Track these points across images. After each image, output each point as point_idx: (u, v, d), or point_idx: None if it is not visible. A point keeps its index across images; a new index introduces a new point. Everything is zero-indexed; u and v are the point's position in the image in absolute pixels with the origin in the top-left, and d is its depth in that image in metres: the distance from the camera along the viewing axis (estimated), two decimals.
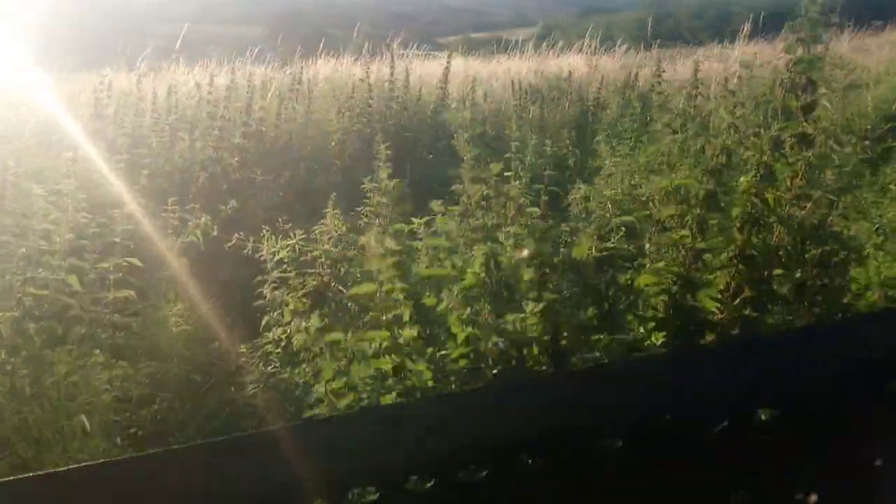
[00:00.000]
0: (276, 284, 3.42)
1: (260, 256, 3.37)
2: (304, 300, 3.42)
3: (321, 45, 14.45)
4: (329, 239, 3.55)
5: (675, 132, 7.79)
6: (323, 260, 3.50)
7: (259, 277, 3.40)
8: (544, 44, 14.66)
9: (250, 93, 6.60)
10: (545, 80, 12.93)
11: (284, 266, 3.46)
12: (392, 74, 8.59)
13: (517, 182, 4.67)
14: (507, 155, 5.03)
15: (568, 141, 7.80)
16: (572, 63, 15.01)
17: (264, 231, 3.56)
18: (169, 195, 4.95)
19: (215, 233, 3.70)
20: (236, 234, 3.63)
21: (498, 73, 14.15)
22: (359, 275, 3.55)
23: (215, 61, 13.04)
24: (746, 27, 12.72)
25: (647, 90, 9.81)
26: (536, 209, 4.61)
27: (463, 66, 14.39)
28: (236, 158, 5.82)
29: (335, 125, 7.50)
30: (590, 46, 15.60)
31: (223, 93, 6.85)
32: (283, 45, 14.35)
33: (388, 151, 4.67)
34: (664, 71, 8.57)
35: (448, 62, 8.93)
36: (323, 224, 3.64)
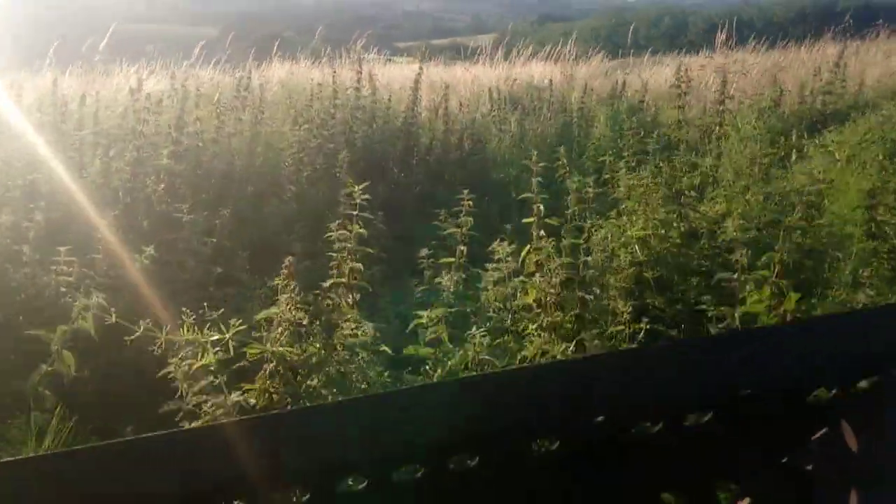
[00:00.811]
0: (194, 408, 2.15)
1: (170, 375, 2.10)
2: None
3: (276, 47, 13.13)
4: (282, 331, 2.29)
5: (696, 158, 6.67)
6: (273, 365, 2.24)
7: (169, 405, 2.13)
8: (514, 50, 13.51)
9: (182, 100, 5.24)
10: (522, 88, 11.86)
11: (211, 376, 2.18)
12: (359, 80, 7.31)
13: (541, 234, 3.46)
14: (528, 194, 3.81)
15: (564, 160, 6.65)
16: (542, 70, 13.96)
17: (184, 316, 2.28)
18: (66, 240, 3.62)
19: (113, 318, 2.40)
20: (143, 322, 2.34)
21: (465, 79, 12.99)
22: (324, 387, 2.30)
23: (159, 63, 11.63)
24: (722, 35, 11.80)
25: (636, 101, 8.75)
26: (567, 259, 3.41)
27: (427, 72, 13.20)
28: (162, 185, 4.47)
29: (290, 139, 6.20)
30: (561, 53, 14.57)
31: (153, 101, 5.50)
32: (233, 46, 12.94)
33: (363, 195, 3.45)
34: (687, 81, 7.41)
35: (420, 68, 7.69)
36: (273, 308, 2.37)
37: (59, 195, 3.96)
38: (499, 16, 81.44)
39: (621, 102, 8.71)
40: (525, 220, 3.66)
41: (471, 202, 3.76)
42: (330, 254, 3.13)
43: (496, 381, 1.13)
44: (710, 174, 5.47)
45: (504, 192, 7.00)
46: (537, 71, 14.12)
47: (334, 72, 7.16)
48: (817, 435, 1.11)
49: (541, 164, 7.52)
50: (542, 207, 3.52)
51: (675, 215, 4.47)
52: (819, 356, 1.11)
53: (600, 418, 0.98)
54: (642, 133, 7.59)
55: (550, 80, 9.39)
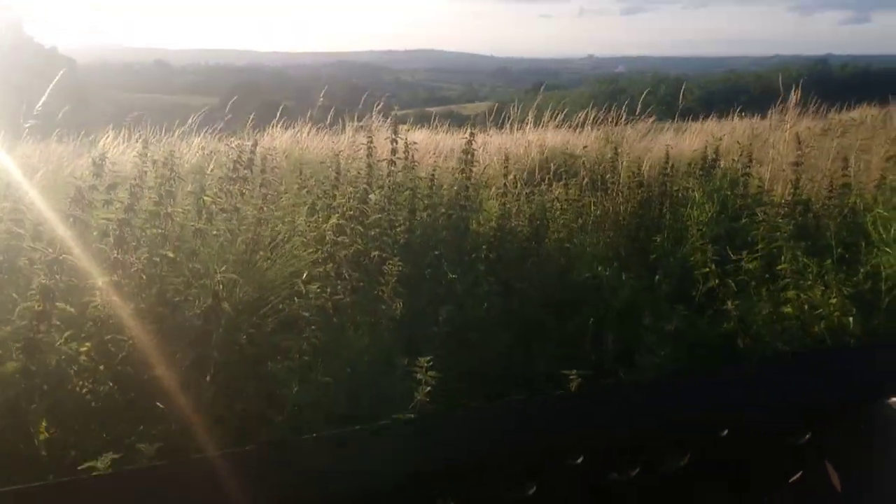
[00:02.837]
0: None
1: None
2: None
3: (279, 113, 11.27)
4: None
5: None
6: None
7: None
8: (548, 115, 11.62)
9: (155, 186, 3.12)
10: (559, 157, 9.91)
11: None
12: (394, 150, 5.24)
13: None
14: None
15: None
16: (572, 138, 12.07)
17: None
18: None
19: None
20: None
21: (490, 148, 11.00)
22: None
23: (149, 132, 9.63)
24: (796, 96, 9.95)
25: (737, 173, 6.71)
26: None
27: (431, 139, 11.33)
28: (84, 350, 2.29)
29: (307, 236, 4.08)
30: (575, 120, 12.76)
31: (105, 186, 3.41)
32: (233, 113, 11.04)
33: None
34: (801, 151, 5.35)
35: (471, 134, 5.61)
36: None
37: None
38: (490, 86, 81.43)
39: (720, 176, 6.68)
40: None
41: None
42: None
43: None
44: None
45: (598, 300, 4.86)
46: (563, 138, 12.23)
47: (370, 140, 5.06)
48: (795, 477, 1.03)
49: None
50: None
51: None
52: (796, 395, 1.02)
53: (579, 459, 0.90)
54: (761, 216, 5.55)
55: (616, 149, 7.33)
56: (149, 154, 4.24)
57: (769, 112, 10.76)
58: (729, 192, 6.32)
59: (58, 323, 2.45)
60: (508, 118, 12.46)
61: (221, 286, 2.63)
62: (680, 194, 6.55)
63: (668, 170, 6.62)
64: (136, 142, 8.52)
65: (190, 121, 9.87)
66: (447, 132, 13.27)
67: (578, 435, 0.93)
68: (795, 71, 42.11)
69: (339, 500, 0.81)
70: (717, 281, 4.28)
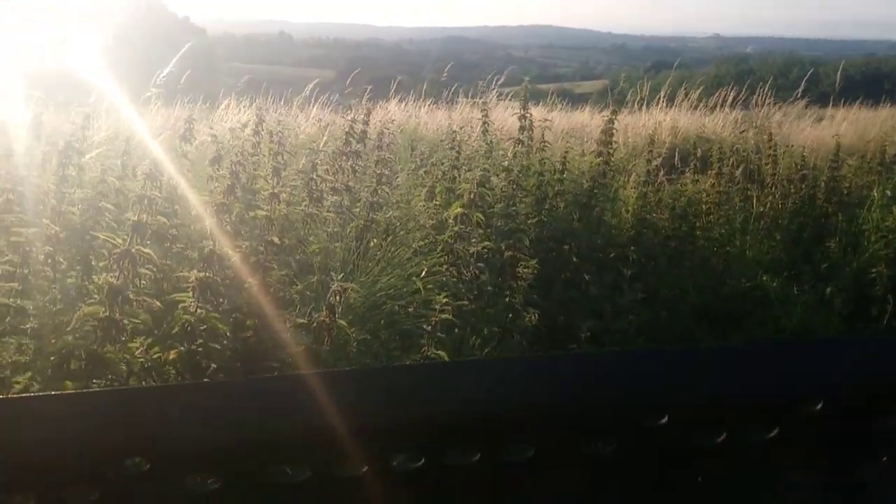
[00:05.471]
0: None
1: None
2: None
3: (393, 86, 10.88)
4: None
5: None
6: None
7: None
8: (682, 95, 10.57)
9: (246, 162, 2.65)
10: (710, 143, 8.93)
11: None
12: (523, 129, 4.60)
13: None
14: None
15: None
16: (713, 123, 10.93)
17: None
18: None
19: None
20: None
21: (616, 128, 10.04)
22: None
23: (269, 100, 9.52)
24: None
25: None
26: None
27: (541, 116, 10.48)
28: (170, 364, 1.82)
29: (429, 232, 3.56)
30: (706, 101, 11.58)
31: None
32: (349, 85, 10.81)
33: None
34: None
35: (613, 111, 4.86)
36: None
37: None
38: (606, 63, 78.40)
39: None
40: None
41: None
42: None
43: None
44: None
45: (763, 316, 4.08)
46: (695, 121, 11.09)
47: (485, 114, 4.45)
48: (885, 458, 0.95)
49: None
50: None
51: None
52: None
53: (663, 420, 0.84)
54: None
55: (770, 135, 6.30)
56: (262, 126, 3.84)
57: None
58: None
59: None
60: (628, 97, 11.45)
61: (338, 298, 2.13)
62: (852, 192, 5.56)
63: (838, 163, 5.61)
64: (246, 110, 8.33)
65: (306, 91, 9.66)
66: (560, 110, 12.43)
67: (662, 394, 0.86)
68: None
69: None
70: None
